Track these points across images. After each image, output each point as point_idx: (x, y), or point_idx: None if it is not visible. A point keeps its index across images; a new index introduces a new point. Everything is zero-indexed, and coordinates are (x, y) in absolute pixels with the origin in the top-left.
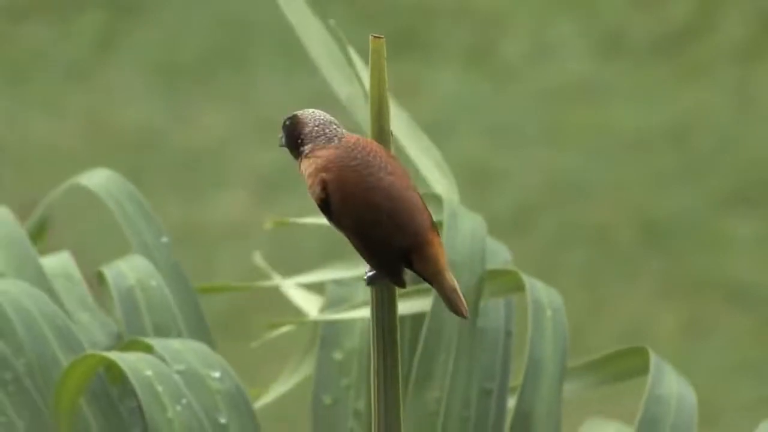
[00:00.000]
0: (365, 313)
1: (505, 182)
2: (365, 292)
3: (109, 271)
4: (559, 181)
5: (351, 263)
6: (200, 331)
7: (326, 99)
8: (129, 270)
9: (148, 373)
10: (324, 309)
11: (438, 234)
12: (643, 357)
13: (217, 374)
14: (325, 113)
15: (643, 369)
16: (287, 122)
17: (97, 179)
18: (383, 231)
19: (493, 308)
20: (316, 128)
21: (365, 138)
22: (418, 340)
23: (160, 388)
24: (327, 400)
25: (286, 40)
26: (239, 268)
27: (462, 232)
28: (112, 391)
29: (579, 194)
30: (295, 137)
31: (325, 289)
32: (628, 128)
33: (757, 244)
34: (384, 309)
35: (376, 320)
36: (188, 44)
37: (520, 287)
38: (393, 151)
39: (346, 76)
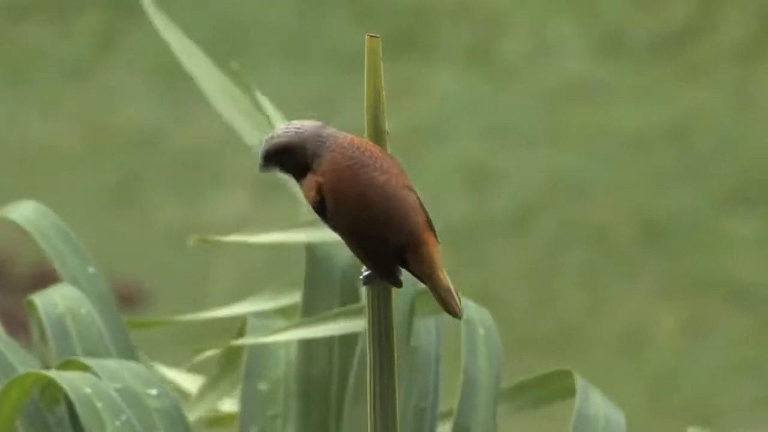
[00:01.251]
0: (291, 336)
1: (505, 182)
2: (285, 322)
3: (40, 300)
4: (559, 181)
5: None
6: (130, 358)
7: (326, 99)
8: (59, 298)
9: (87, 390)
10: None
11: (434, 234)
12: (568, 380)
13: (154, 392)
14: (305, 122)
15: (570, 392)
16: (273, 151)
17: (23, 212)
18: (378, 230)
19: (425, 329)
20: (315, 145)
21: (360, 137)
22: (353, 358)
23: (99, 405)
24: (253, 430)
25: (286, 40)
26: (238, 268)
27: None
28: (47, 417)
29: (579, 194)
30: (298, 163)
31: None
32: (628, 128)
33: (757, 244)
34: (381, 314)
35: (373, 325)
36: None
37: None
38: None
39: (256, 122)
